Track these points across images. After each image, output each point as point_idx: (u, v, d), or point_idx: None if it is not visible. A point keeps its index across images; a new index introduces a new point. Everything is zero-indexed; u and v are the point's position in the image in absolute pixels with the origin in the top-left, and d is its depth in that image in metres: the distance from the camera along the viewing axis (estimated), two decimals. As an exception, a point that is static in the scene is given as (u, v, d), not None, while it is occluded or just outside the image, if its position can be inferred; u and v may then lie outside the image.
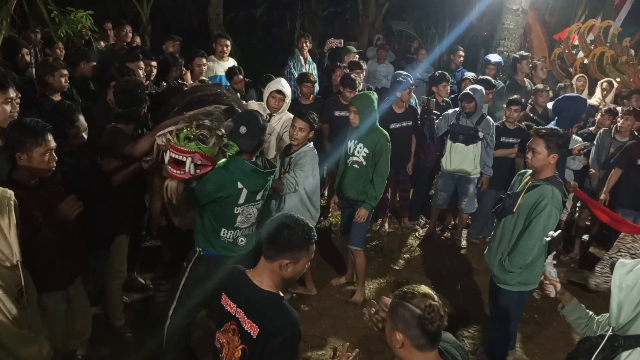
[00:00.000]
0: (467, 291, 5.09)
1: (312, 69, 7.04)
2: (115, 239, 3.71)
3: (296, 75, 6.83)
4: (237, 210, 3.14)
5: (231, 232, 3.19)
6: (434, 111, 5.71)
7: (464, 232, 6.05)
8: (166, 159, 3.07)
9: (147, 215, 4.54)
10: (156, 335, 3.40)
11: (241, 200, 3.12)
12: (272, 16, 14.08)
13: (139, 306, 4.31)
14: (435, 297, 1.89)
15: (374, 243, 5.76)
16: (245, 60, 6.62)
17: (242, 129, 3.04)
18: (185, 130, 2.98)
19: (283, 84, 4.67)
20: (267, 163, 3.22)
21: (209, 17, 10.45)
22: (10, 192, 2.27)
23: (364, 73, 6.41)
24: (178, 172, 2.97)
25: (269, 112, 4.62)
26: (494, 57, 7.33)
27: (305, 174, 4.09)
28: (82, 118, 3.32)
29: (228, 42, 6.38)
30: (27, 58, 5.27)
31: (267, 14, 13.84)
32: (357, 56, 7.23)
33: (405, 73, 6.05)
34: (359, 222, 4.46)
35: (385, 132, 4.46)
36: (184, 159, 2.94)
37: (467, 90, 5.39)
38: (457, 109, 5.52)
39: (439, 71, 6.28)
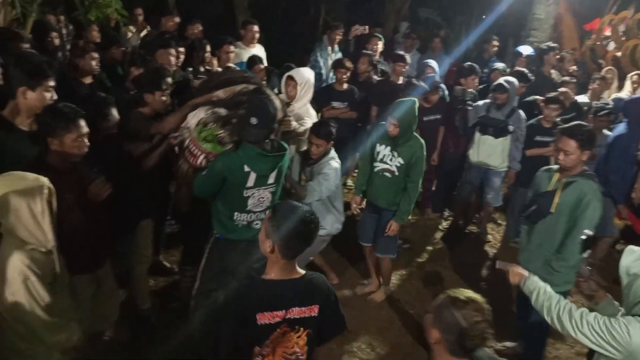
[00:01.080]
0: (491, 286, 5.01)
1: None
2: (140, 223, 3.74)
3: (321, 64, 6.77)
4: (246, 193, 3.14)
5: (244, 215, 3.21)
6: (468, 101, 5.58)
7: (489, 226, 5.98)
8: (185, 142, 3.28)
9: (172, 202, 4.58)
10: (181, 318, 3.45)
11: (250, 184, 3.11)
12: (295, 2, 13.92)
13: (165, 290, 4.36)
14: (488, 313, 1.84)
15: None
16: (266, 47, 6.54)
17: (253, 120, 3.00)
18: (209, 128, 3.12)
19: (300, 70, 4.53)
20: (276, 146, 3.19)
21: (233, 3, 10.42)
22: (44, 180, 2.28)
23: (407, 67, 6.16)
24: (191, 159, 3.21)
25: (287, 100, 4.56)
26: (525, 50, 7.11)
27: (329, 182, 3.99)
28: (115, 111, 3.34)
29: (257, 28, 6.28)
30: (57, 42, 5.30)
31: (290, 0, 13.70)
32: (380, 42, 7.06)
33: (432, 66, 5.95)
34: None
35: (422, 140, 4.26)
36: (199, 154, 3.16)
37: (501, 81, 5.24)
38: (487, 101, 5.36)
39: (469, 63, 6.09)
